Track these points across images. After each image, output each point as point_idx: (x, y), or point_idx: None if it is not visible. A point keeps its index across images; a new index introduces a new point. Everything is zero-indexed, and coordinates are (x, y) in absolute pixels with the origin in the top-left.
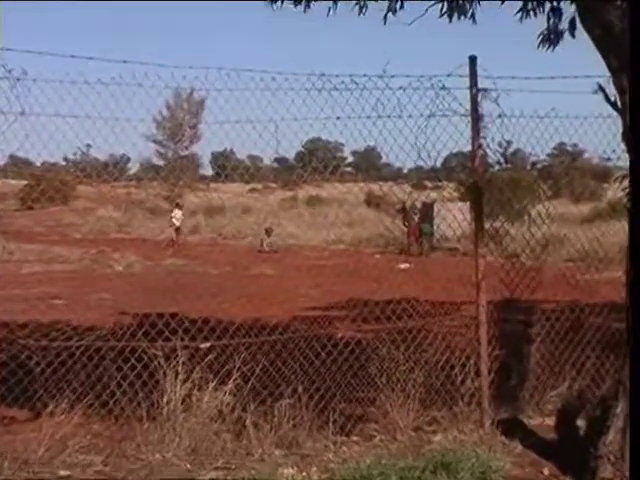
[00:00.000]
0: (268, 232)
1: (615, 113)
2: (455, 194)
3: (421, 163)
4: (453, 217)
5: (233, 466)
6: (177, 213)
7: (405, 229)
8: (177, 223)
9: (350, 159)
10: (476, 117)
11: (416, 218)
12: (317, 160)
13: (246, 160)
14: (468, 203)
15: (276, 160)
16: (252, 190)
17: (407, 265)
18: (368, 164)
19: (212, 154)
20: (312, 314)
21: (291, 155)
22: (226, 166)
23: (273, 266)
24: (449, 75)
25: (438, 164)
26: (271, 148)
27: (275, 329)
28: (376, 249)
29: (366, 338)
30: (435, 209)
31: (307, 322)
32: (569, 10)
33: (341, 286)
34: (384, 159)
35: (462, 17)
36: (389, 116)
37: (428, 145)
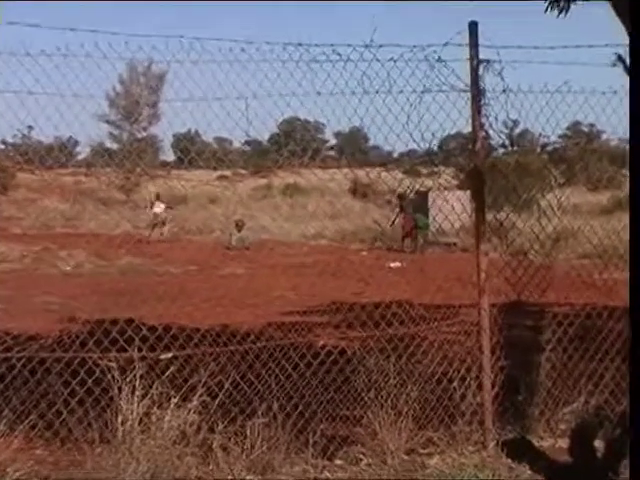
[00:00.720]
0: (238, 226)
1: None
2: (453, 181)
3: (414, 146)
4: (451, 208)
5: None
6: (159, 205)
7: (402, 222)
8: (160, 212)
9: (333, 142)
10: (477, 93)
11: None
12: (294, 143)
13: (213, 143)
14: (468, 192)
15: (247, 143)
16: (220, 178)
17: (398, 263)
18: (353, 147)
19: (174, 136)
20: (289, 320)
21: (264, 137)
22: (190, 150)
23: (244, 265)
24: (446, 44)
25: (434, 147)
26: (241, 129)
27: (246, 337)
28: (363, 245)
29: (351, 347)
30: (430, 199)
31: (283, 329)
32: None
33: (322, 287)
34: (372, 141)
35: None
36: (377, 92)
37: (422, 125)
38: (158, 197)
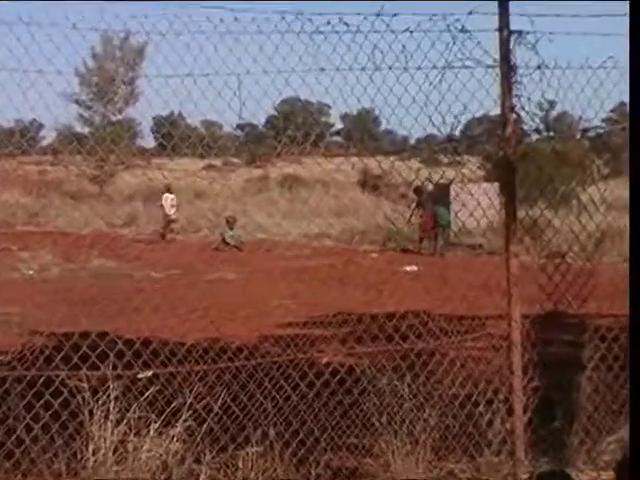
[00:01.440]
0: (229, 223)
1: None
2: (479, 172)
3: (433, 131)
4: (476, 203)
5: None
6: (169, 198)
7: (419, 219)
8: (172, 213)
9: (339, 126)
10: (507, 69)
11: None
12: (295, 127)
13: (200, 127)
14: (496, 184)
15: (240, 127)
16: (208, 167)
17: (415, 267)
18: (363, 132)
19: (154, 119)
20: (288, 333)
21: (260, 121)
22: (173, 135)
23: (236, 269)
24: (471, 13)
25: (456, 132)
26: (233, 111)
27: (239, 353)
28: (373, 246)
29: (360, 365)
30: (452, 192)
31: (281, 343)
32: None
33: (327, 295)
34: (384, 126)
35: None
36: (390, 68)
37: (443, 107)
38: (169, 190)
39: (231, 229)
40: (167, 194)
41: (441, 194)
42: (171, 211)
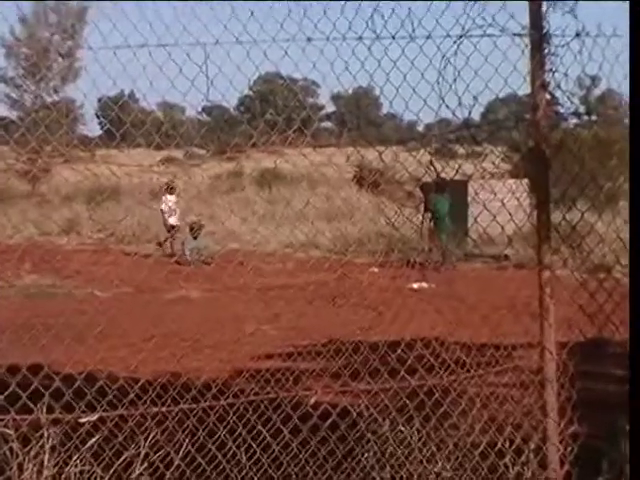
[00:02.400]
0: (193, 230)
1: None
2: (503, 166)
3: (447, 114)
4: (500, 204)
5: None
6: (170, 201)
7: (426, 223)
8: (174, 219)
9: (329, 108)
10: (539, 38)
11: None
12: (274, 110)
13: (157, 111)
14: (525, 181)
15: (206, 111)
16: (167, 160)
17: (424, 284)
18: (359, 117)
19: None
20: (267, 366)
21: (231, 103)
22: (123, 121)
23: (202, 286)
24: None
25: (475, 116)
26: (198, 91)
27: (206, 391)
28: (373, 258)
29: (357, 406)
30: (470, 191)
31: (258, 379)
32: None
33: (315, 319)
34: (385, 108)
35: None
36: (394, 37)
37: (459, 85)
38: (171, 189)
39: (195, 238)
40: (167, 195)
41: (457, 193)
42: (172, 218)
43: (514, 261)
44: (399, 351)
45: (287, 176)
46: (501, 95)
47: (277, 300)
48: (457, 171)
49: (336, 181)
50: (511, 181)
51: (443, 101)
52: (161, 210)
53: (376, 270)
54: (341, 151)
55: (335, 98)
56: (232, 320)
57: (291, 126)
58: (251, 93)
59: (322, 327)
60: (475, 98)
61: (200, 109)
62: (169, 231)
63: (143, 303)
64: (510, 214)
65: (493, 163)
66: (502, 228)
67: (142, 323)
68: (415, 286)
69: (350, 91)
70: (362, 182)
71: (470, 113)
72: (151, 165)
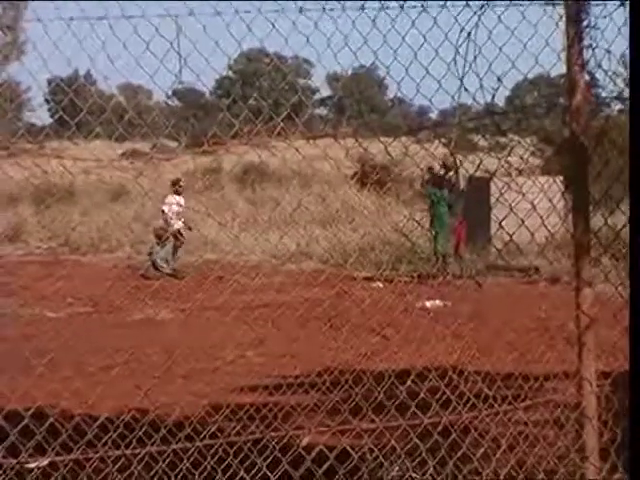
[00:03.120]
0: (162, 238)
1: None
2: (534, 160)
3: (465, 99)
4: (530, 206)
5: None
6: (174, 202)
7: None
8: (177, 223)
9: (325, 92)
10: (576, 7)
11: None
12: (260, 94)
13: (118, 95)
14: (560, 178)
15: (177, 95)
16: (130, 154)
17: (438, 302)
18: (361, 102)
19: (50, 83)
20: (250, 400)
21: (208, 86)
22: (78, 107)
23: (174, 305)
24: None
25: (500, 101)
26: (168, 72)
27: (178, 430)
28: (376, 271)
29: (358, 447)
30: (493, 190)
31: (241, 416)
32: None
33: (307, 344)
34: (392, 92)
35: None
36: (402, 7)
37: (480, 64)
38: (178, 187)
39: (164, 247)
40: (173, 196)
41: (477, 192)
42: (176, 221)
43: (546, 274)
44: (409, 382)
45: (274, 173)
46: (530, 76)
47: (262, 322)
48: (478, 167)
49: (333, 179)
50: (542, 179)
51: (461, 83)
52: (162, 212)
53: (381, 285)
54: (339, 143)
55: (332, 80)
56: (209, 346)
57: (279, 113)
58: (231, 74)
59: (316, 354)
60: (499, 79)
61: (170, 93)
62: (176, 238)
63: (103, 325)
64: (541, 218)
65: (521, 157)
66: (532, 235)
67: (101, 349)
68: (428, 304)
69: (350, 71)
70: (364, 180)
71: (493, 97)
72: (112, 160)
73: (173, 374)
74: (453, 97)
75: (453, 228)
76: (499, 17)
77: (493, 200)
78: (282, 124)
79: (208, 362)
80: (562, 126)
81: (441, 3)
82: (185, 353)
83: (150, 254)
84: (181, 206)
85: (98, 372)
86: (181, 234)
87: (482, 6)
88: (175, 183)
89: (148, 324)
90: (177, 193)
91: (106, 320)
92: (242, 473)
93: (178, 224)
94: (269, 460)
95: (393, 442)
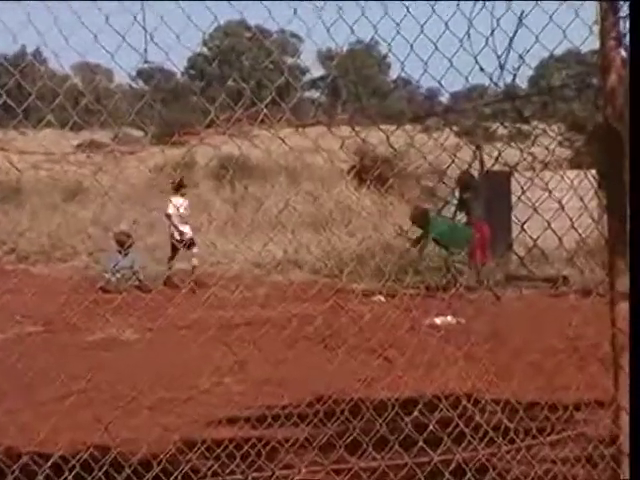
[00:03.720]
0: (123, 245)
1: None
2: (561, 151)
3: (481, 80)
4: (558, 205)
5: None
6: (178, 205)
7: None
8: (185, 231)
9: (317, 72)
10: None
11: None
12: (240, 75)
13: (74, 76)
14: (592, 172)
15: (142, 76)
16: (88, 146)
17: (450, 318)
18: (359, 83)
19: None
20: (229, 434)
21: (179, 64)
22: (25, 90)
23: (139, 323)
24: None
25: (522, 82)
26: (132, 48)
27: (145, 470)
28: (377, 283)
29: None
30: (514, 187)
31: (218, 454)
32: None
33: (297, 368)
34: (395, 71)
35: None
36: None
37: (498, 38)
38: (180, 187)
39: (126, 255)
40: (176, 198)
41: (496, 189)
42: (182, 227)
43: (576, 285)
44: (416, 413)
45: (257, 167)
46: (557, 52)
47: (244, 342)
48: (496, 159)
49: (326, 174)
50: (572, 173)
51: (476, 61)
52: (167, 216)
53: (383, 299)
54: (333, 132)
55: (324, 58)
56: (181, 371)
57: (263, 97)
58: (206, 51)
59: (307, 379)
60: (521, 57)
61: (134, 74)
62: (183, 245)
63: (56, 347)
64: (571, 220)
65: (546, 148)
66: (559, 239)
67: (54, 375)
68: (438, 321)
69: (345, 48)
70: (362, 176)
71: (514, 78)
72: (66, 153)
73: (139, 404)
74: (467, 78)
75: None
76: None
77: (514, 199)
78: (266, 110)
79: (180, 390)
80: (594, 111)
81: None
82: (153, 379)
83: (111, 263)
84: (186, 209)
85: (50, 402)
86: (193, 242)
87: None
88: (179, 185)
89: (110, 345)
90: (181, 194)
91: (60, 341)
92: None
93: (185, 227)
94: None
95: None
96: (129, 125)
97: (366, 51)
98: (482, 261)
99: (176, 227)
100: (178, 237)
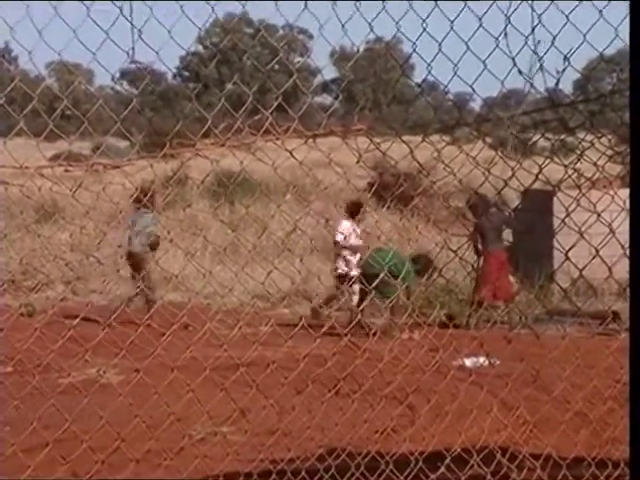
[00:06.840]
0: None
1: None
2: (611, 167)
3: (518, 84)
4: (607, 230)
5: None
6: (347, 230)
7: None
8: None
9: (330, 75)
10: None
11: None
12: (241, 78)
13: (48, 78)
14: None
15: (128, 77)
16: (65, 159)
17: (482, 360)
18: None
19: None
20: None
21: (170, 65)
22: None
23: (124, 363)
24: None
25: (566, 87)
26: (116, 46)
27: None
28: (398, 318)
29: None
30: (557, 207)
31: None
32: None
33: (305, 417)
34: (419, 74)
35: None
36: None
37: (539, 37)
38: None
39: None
40: (347, 222)
41: (536, 211)
42: (351, 257)
43: (628, 323)
44: (442, 469)
45: (260, 184)
46: (607, 53)
47: (244, 386)
48: (537, 176)
49: (340, 192)
50: (624, 192)
51: (514, 63)
52: (335, 243)
53: (405, 336)
54: (349, 144)
55: (338, 58)
56: (172, 418)
57: (267, 103)
58: (201, 49)
59: (317, 430)
60: (566, 58)
61: (118, 75)
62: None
63: (28, 390)
64: (622, 246)
65: (595, 163)
66: (609, 269)
67: (25, 424)
68: (468, 363)
69: (363, 47)
70: (382, 194)
71: (558, 83)
72: (40, 166)
73: (123, 457)
74: (502, 82)
75: (486, 263)
76: None
77: (557, 222)
78: (271, 118)
79: (171, 441)
80: None
81: None
82: (140, 428)
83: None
84: (358, 238)
85: (21, 452)
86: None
87: None
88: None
89: (89, 389)
90: (358, 221)
91: (31, 384)
92: None
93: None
94: None
95: None
96: (113, 134)
97: (386, 51)
98: (488, 299)
99: (344, 257)
100: (344, 269)
